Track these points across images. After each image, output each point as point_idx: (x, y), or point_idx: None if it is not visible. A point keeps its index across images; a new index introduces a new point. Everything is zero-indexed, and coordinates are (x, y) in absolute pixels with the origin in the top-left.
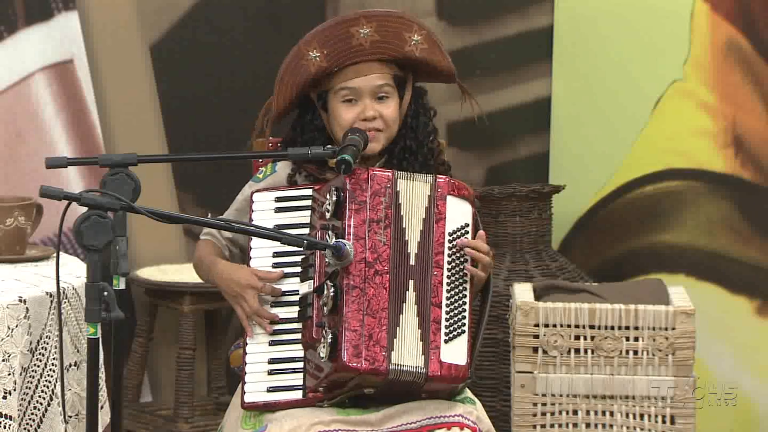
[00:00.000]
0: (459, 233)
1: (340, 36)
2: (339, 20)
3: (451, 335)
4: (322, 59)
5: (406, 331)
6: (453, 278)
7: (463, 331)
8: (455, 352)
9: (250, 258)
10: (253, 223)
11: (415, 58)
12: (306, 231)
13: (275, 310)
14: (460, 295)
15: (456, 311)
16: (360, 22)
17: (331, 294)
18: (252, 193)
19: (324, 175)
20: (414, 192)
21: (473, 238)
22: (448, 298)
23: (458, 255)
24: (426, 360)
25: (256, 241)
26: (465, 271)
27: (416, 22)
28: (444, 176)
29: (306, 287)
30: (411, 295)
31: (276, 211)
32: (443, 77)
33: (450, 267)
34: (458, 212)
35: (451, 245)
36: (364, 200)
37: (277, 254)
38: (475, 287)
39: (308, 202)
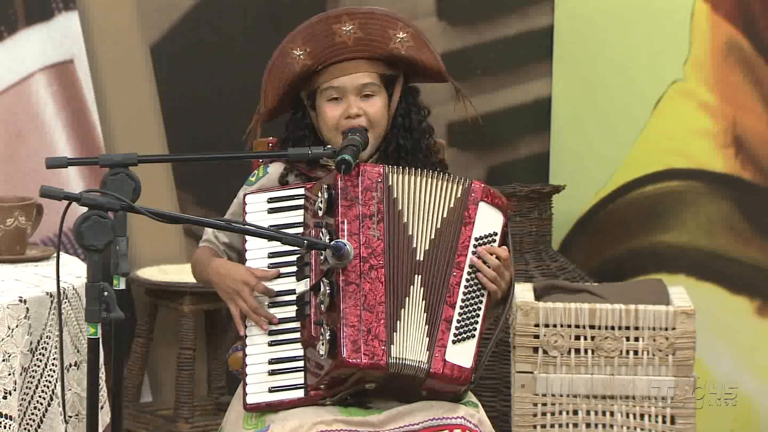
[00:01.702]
0: (486, 240)
1: (323, 33)
2: (322, 17)
3: (460, 337)
4: (306, 57)
5: (409, 326)
6: (472, 282)
7: (473, 336)
8: (461, 354)
9: (246, 259)
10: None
11: (401, 56)
12: (300, 230)
13: (273, 310)
14: (477, 300)
15: (469, 314)
16: (342, 20)
17: (328, 291)
18: (244, 195)
19: (315, 173)
20: (424, 189)
21: None
22: (463, 300)
23: (482, 261)
24: (430, 356)
25: (251, 242)
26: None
27: (401, 20)
28: (480, 181)
29: (302, 286)
30: (417, 290)
31: (269, 212)
32: (433, 76)
33: (471, 271)
34: (488, 219)
35: (475, 250)
36: (356, 196)
37: (272, 254)
38: (493, 300)
39: (301, 201)
